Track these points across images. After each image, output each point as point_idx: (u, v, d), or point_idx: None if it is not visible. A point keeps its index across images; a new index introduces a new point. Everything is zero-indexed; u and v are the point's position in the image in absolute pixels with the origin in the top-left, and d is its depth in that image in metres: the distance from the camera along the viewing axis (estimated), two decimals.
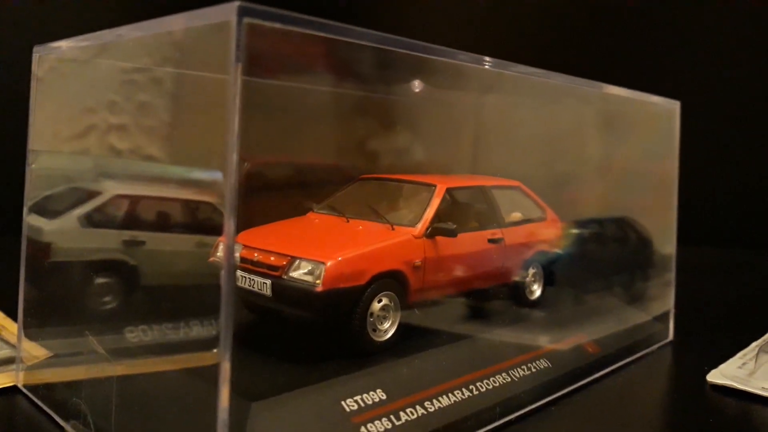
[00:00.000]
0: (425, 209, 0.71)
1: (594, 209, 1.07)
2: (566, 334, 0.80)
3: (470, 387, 0.63)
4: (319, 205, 0.78)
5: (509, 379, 0.67)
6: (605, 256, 1.08)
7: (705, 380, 0.77)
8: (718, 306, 1.23)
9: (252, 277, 0.64)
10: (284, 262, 0.62)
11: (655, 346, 0.91)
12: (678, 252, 0.98)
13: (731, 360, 0.85)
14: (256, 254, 0.65)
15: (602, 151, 0.97)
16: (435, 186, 0.74)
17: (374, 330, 0.65)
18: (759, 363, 0.80)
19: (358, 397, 0.56)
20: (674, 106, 0.91)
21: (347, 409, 0.54)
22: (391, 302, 0.66)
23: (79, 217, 0.71)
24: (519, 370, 0.69)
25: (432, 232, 0.69)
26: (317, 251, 0.63)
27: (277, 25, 0.42)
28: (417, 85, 0.71)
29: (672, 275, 0.99)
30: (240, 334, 0.65)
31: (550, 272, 0.89)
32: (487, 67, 0.63)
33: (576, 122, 0.92)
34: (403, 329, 0.67)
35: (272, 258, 0.63)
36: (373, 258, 0.64)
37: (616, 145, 0.98)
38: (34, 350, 0.67)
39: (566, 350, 0.77)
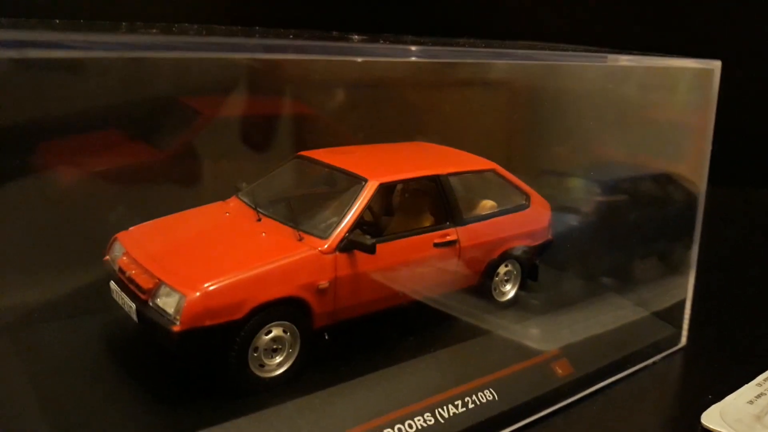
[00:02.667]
0: (345, 215, 0.58)
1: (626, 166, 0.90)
2: (530, 350, 0.67)
3: None
4: (246, 188, 0.66)
5: (432, 422, 0.56)
6: (634, 224, 0.91)
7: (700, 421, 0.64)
8: (751, 279, 1.03)
9: (123, 295, 0.55)
10: (151, 285, 0.52)
11: (658, 357, 0.76)
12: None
13: (746, 387, 0.70)
14: (132, 268, 0.55)
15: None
16: (365, 181, 0.60)
17: (261, 366, 0.55)
18: None
19: None
20: (714, 66, 0.71)
21: None
22: (286, 332, 0.55)
23: None
24: (449, 407, 0.58)
25: (347, 245, 0.57)
26: (186, 275, 0.52)
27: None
28: None
29: (693, 255, 0.80)
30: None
31: (532, 266, 0.74)
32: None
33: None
34: (304, 360, 0.57)
35: (143, 277, 0.53)
36: (255, 285, 0.52)
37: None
38: None
39: (523, 374, 0.64)
